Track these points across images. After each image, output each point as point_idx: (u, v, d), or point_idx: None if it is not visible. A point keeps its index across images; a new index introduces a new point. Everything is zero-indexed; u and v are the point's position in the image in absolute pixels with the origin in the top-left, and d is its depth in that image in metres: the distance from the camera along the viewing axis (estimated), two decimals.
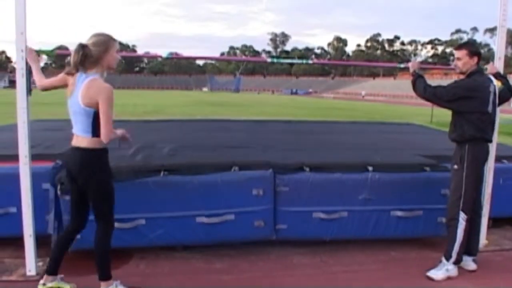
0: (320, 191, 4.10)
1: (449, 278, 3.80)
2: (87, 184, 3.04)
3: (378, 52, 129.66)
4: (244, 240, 4.13)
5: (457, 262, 3.86)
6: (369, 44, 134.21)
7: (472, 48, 3.84)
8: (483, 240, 4.53)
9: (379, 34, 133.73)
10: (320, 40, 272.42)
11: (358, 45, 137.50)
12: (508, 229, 5.19)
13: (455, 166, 3.85)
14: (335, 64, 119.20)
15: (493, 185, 4.83)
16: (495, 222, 5.16)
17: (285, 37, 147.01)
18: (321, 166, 4.21)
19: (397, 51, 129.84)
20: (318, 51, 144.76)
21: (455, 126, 3.87)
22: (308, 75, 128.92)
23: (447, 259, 3.85)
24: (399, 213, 4.21)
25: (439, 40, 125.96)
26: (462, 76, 3.88)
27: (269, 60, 5.78)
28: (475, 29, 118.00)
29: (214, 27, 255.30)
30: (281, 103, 44.92)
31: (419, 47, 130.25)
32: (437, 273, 3.81)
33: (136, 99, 43.90)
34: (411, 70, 4.05)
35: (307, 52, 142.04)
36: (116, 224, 3.31)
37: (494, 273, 3.99)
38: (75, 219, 3.26)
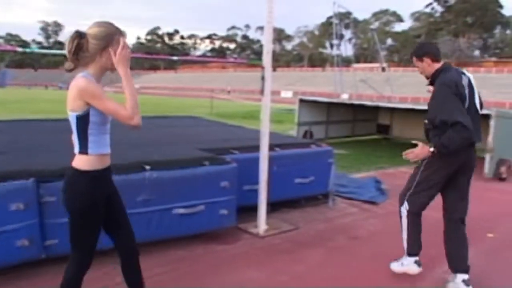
0: None
1: (405, 273, 3.74)
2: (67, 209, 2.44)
3: (159, 45, 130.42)
4: (6, 265, 3.42)
5: (410, 255, 3.73)
6: (149, 37, 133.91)
7: (417, 52, 3.60)
8: (263, 225, 4.76)
9: (159, 28, 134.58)
10: None
11: (138, 38, 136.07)
12: (285, 212, 5.59)
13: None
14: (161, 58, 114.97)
15: (268, 172, 5.13)
16: (273, 206, 5.51)
17: (58, 27, 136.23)
18: None
19: (177, 44, 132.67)
20: None
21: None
22: None
23: (405, 252, 3.76)
24: (181, 210, 4.10)
25: (216, 35, 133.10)
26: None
27: (19, 49, 5.05)
28: (248, 26, 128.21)
29: None
30: (57, 99, 41.31)
31: (198, 41, 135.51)
32: (394, 264, 3.81)
33: None
34: (423, 156, 3.46)
35: None
36: None
37: (274, 255, 4.21)
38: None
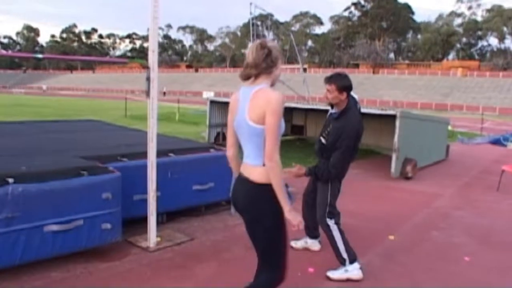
0: None
1: (348, 279, 3.83)
2: (253, 224, 2.50)
3: (75, 44, 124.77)
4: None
5: (352, 261, 3.89)
6: (64, 35, 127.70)
7: (341, 83, 3.84)
8: (153, 238, 4.40)
9: (75, 25, 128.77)
10: (7, 28, 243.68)
11: (53, 36, 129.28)
12: (182, 221, 5.26)
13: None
14: (24, 56, 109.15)
15: (161, 179, 4.78)
16: (170, 215, 5.17)
17: None
18: None
19: (95, 43, 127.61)
20: (5, 41, 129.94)
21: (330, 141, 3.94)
22: None
23: (343, 263, 3.89)
24: (55, 227, 3.64)
25: (136, 35, 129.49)
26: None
27: None
28: (169, 26, 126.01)
29: None
30: None
31: (118, 40, 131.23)
32: (334, 273, 3.87)
33: None
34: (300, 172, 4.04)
35: None
36: None
37: (162, 271, 3.86)
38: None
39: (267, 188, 2.34)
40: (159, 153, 4.93)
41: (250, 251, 4.55)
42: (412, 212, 6.26)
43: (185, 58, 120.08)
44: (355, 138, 3.89)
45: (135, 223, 4.64)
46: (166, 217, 5.14)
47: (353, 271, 3.87)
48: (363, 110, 12.05)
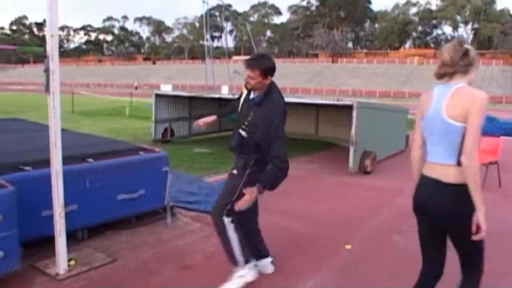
0: None
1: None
2: (455, 228, 2.41)
3: (27, 36, 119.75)
4: None
5: (247, 261, 3.52)
6: (14, 27, 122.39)
7: (266, 65, 3.24)
8: (63, 264, 3.63)
9: (25, 17, 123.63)
10: None
11: (2, 28, 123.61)
12: (108, 236, 4.51)
13: (235, 171, 3.50)
14: None
15: (78, 190, 4.04)
16: (93, 230, 4.41)
17: None
18: None
19: None
20: None
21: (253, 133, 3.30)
22: None
23: (236, 264, 3.47)
24: None
25: (91, 27, 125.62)
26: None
27: None
28: (125, 18, 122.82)
29: None
30: None
31: (72, 32, 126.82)
32: (230, 285, 3.45)
33: None
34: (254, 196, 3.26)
35: None
36: None
37: None
38: (429, 262, 2.65)
39: (464, 189, 2.27)
40: (75, 159, 4.21)
41: (183, 272, 3.92)
42: (371, 213, 5.69)
43: (142, 50, 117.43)
44: (285, 120, 3.34)
45: (46, 243, 3.86)
46: (88, 232, 4.38)
47: (249, 274, 3.53)
48: (319, 100, 11.64)
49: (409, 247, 4.49)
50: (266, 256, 3.77)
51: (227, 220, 3.38)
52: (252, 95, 3.42)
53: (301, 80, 65.83)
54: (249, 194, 3.23)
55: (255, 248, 3.69)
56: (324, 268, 3.96)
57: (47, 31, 3.36)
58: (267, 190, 3.26)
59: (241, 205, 3.23)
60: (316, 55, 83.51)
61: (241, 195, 3.28)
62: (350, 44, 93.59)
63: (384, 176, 8.13)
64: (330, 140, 12.37)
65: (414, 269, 2.64)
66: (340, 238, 4.69)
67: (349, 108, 8.33)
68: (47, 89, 3.36)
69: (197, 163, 8.61)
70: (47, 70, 3.33)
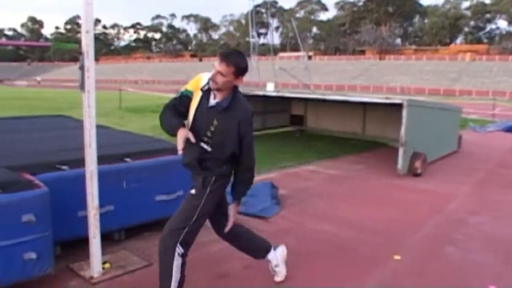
0: None
1: None
2: None
3: (80, 35, 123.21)
4: None
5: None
6: (69, 26, 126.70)
7: (242, 65, 2.84)
8: (98, 266, 3.53)
9: (78, 16, 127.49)
10: (11, 20, 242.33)
11: (57, 28, 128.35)
12: (145, 238, 4.40)
13: (193, 191, 3.06)
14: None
15: (115, 190, 3.94)
16: (130, 231, 4.31)
17: None
18: None
19: (99, 34, 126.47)
20: (10, 33, 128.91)
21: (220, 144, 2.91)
22: None
23: None
24: None
25: (140, 25, 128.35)
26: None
27: None
28: (173, 15, 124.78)
29: None
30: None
31: (122, 31, 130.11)
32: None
33: None
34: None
35: None
36: None
37: None
38: None
39: None
40: (113, 158, 4.10)
41: (217, 281, 3.73)
42: (421, 220, 5.32)
43: (189, 48, 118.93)
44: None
45: (86, 243, 3.76)
46: (125, 233, 4.28)
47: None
48: (366, 98, 11.24)
49: (464, 259, 4.16)
50: (274, 247, 3.57)
51: (178, 251, 2.87)
52: (214, 100, 2.91)
53: (348, 77, 64.73)
54: (235, 212, 3.20)
55: (256, 248, 3.56)
56: (370, 280, 3.68)
57: (82, 27, 3.26)
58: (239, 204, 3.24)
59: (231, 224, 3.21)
60: (363, 52, 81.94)
61: (200, 217, 2.97)
62: (398, 40, 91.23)
63: (435, 179, 7.69)
64: (377, 140, 11.93)
65: (470, 285, 2.34)
66: (388, 247, 4.38)
67: (399, 106, 7.93)
68: (81, 87, 3.25)
69: None
70: (82, 67, 3.21)
